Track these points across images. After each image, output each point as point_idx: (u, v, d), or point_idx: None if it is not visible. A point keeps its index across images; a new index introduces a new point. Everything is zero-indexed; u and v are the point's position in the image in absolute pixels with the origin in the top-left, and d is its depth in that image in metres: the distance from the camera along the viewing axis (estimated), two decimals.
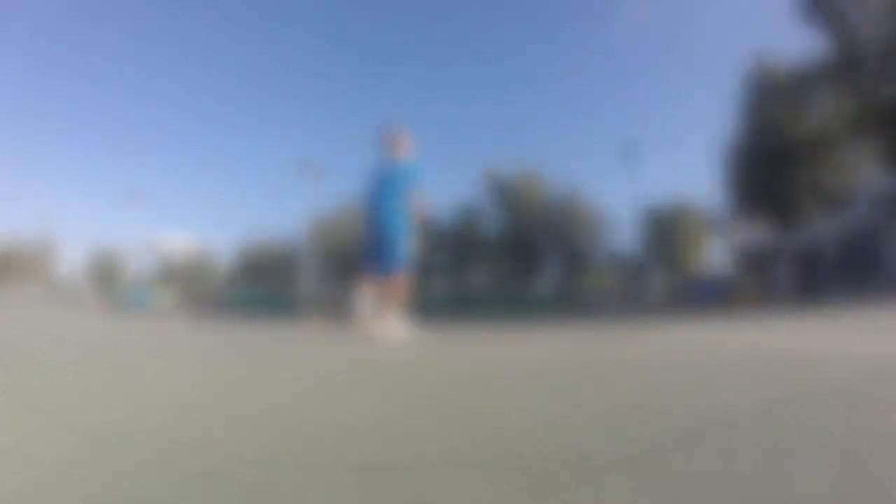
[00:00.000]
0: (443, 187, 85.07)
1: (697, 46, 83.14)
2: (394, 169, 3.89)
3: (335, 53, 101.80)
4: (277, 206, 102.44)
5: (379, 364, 2.25)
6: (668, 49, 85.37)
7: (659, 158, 77.51)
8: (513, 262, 40.39)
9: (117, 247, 64.78)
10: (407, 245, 3.72)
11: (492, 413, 1.15)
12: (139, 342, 3.61)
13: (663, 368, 1.75)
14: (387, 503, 0.64)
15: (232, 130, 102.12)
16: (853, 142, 26.07)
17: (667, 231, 38.93)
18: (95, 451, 0.88)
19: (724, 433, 0.89)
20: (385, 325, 3.36)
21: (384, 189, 3.84)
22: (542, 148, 79.52)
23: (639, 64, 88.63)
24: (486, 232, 42.62)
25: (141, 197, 28.62)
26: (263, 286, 36.17)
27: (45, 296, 36.58)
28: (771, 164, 27.70)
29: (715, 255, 38.45)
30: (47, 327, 4.95)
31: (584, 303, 15.95)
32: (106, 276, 57.77)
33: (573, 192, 41.75)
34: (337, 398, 1.34)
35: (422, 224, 3.95)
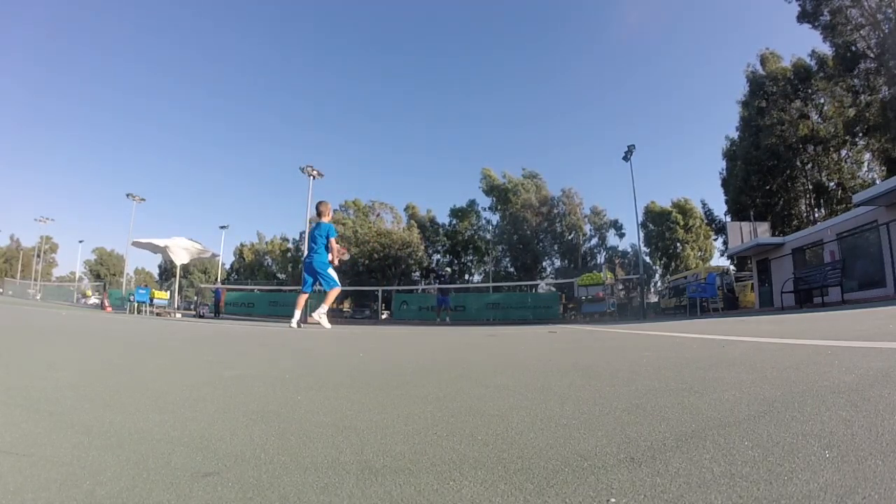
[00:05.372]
0: (443, 187, 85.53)
1: (698, 46, 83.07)
2: (319, 228, 6.24)
3: (335, 53, 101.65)
4: (278, 206, 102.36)
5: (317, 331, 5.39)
6: (668, 48, 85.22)
7: (658, 161, 77.12)
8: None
9: (117, 247, 65.04)
10: (331, 273, 6.14)
11: (492, 412, 1.15)
12: (139, 341, 3.61)
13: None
14: (387, 503, 0.64)
15: (234, 130, 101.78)
16: (853, 142, 26.11)
17: (667, 231, 38.92)
18: (95, 451, 0.88)
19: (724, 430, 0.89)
20: (318, 319, 6.04)
21: (314, 242, 6.22)
22: (542, 148, 79.26)
23: (639, 63, 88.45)
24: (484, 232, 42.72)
25: (141, 197, 28.44)
26: (261, 286, 36.14)
27: (45, 295, 36.55)
28: (772, 165, 27.73)
29: (716, 255, 38.62)
30: (47, 326, 4.95)
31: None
32: (106, 276, 57.77)
33: (569, 193, 41.77)
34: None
35: (338, 258, 6.56)
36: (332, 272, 6.14)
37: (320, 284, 6.17)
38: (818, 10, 24.70)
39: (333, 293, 6.10)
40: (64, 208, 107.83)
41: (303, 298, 6.29)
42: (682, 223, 38.39)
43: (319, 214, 6.42)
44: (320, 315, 6.00)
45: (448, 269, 34.78)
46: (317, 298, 7.37)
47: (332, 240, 6.20)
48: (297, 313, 6.17)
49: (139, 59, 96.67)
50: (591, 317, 15.00)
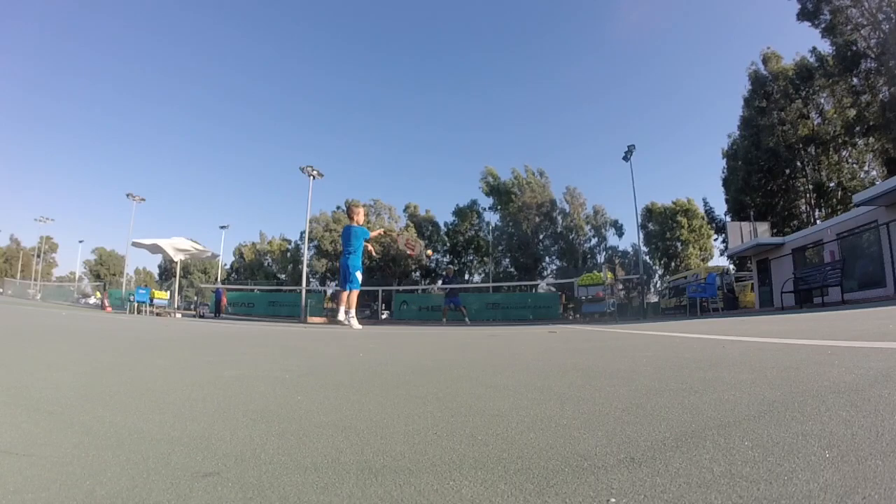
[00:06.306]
0: (443, 187, 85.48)
1: (701, 44, 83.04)
2: (352, 230, 6.80)
3: (335, 52, 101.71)
4: (278, 206, 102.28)
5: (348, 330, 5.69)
6: (670, 46, 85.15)
7: (659, 159, 77.01)
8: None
9: (117, 247, 65.01)
10: (358, 276, 6.71)
11: (492, 413, 1.15)
12: (139, 341, 3.61)
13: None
14: (387, 503, 0.64)
15: (233, 130, 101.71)
16: (853, 142, 26.10)
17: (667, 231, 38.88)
18: (95, 451, 0.88)
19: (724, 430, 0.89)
20: (348, 318, 6.57)
21: (348, 244, 6.78)
22: (542, 148, 79.20)
23: (638, 63, 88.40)
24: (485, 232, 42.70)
25: (141, 196, 28.45)
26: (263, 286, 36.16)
27: (45, 295, 36.54)
28: (772, 165, 27.72)
29: (716, 255, 38.58)
30: (47, 326, 4.95)
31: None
32: (106, 276, 57.76)
33: (572, 192, 41.75)
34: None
35: (368, 255, 7.25)
36: (359, 275, 6.80)
37: (344, 282, 6.77)
38: (818, 8, 24.67)
39: (353, 294, 6.71)
40: (64, 208, 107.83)
41: (344, 295, 6.80)
42: (686, 224, 38.30)
43: (351, 217, 7.06)
44: (353, 317, 6.63)
45: (451, 267, 34.40)
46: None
47: (366, 242, 6.94)
48: (342, 309, 6.71)
49: (139, 58, 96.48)
50: (591, 317, 14.99)
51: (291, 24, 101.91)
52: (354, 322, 6.64)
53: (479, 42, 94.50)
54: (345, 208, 43.77)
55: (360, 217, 7.08)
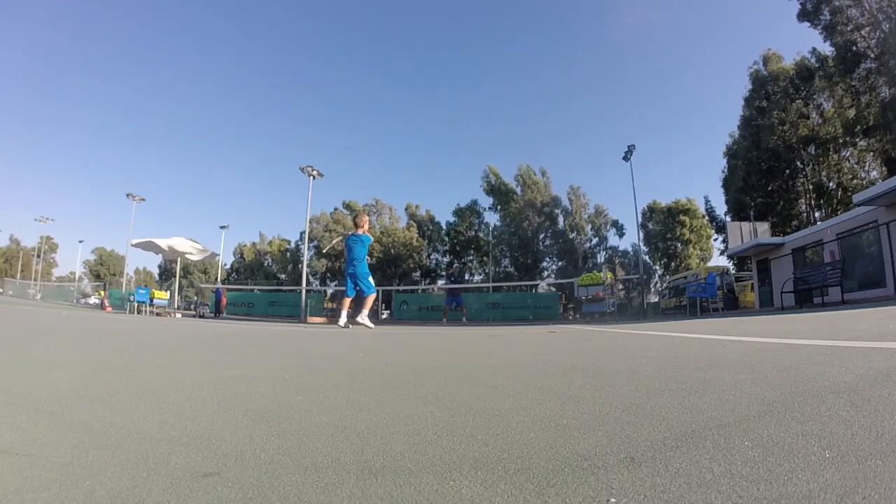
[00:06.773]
0: (444, 188, 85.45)
1: (699, 46, 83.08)
2: (360, 239, 7.01)
3: (335, 52, 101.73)
4: (278, 206, 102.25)
5: (361, 330, 5.53)
6: (672, 44, 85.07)
7: (660, 157, 76.96)
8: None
9: (117, 247, 65.04)
10: (370, 281, 7.00)
11: (492, 412, 1.15)
12: (139, 341, 3.61)
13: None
14: (387, 503, 0.64)
15: (233, 129, 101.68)
16: (853, 142, 26.10)
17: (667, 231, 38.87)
18: (95, 451, 0.87)
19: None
20: (362, 319, 6.75)
21: (356, 252, 6.95)
22: (544, 147, 79.17)
23: (640, 62, 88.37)
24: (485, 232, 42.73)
25: (141, 196, 28.47)
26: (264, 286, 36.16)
27: (45, 295, 36.54)
28: (772, 165, 27.72)
29: (715, 254, 38.57)
30: (47, 326, 4.95)
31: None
32: (106, 276, 57.78)
33: (576, 191, 41.77)
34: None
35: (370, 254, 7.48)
36: (371, 280, 7.05)
37: (360, 290, 6.95)
38: (818, 9, 24.67)
39: (371, 299, 6.94)
40: (64, 208, 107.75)
41: (347, 301, 6.93)
42: (688, 224, 38.28)
43: (357, 226, 7.16)
44: (363, 318, 6.79)
45: (457, 266, 33.96)
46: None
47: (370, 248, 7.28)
48: (344, 314, 6.88)
49: (139, 57, 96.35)
50: (591, 317, 14.99)
51: (292, 23, 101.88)
52: (343, 320, 6.80)
53: (481, 40, 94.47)
54: (343, 209, 43.87)
55: (366, 226, 7.21)
